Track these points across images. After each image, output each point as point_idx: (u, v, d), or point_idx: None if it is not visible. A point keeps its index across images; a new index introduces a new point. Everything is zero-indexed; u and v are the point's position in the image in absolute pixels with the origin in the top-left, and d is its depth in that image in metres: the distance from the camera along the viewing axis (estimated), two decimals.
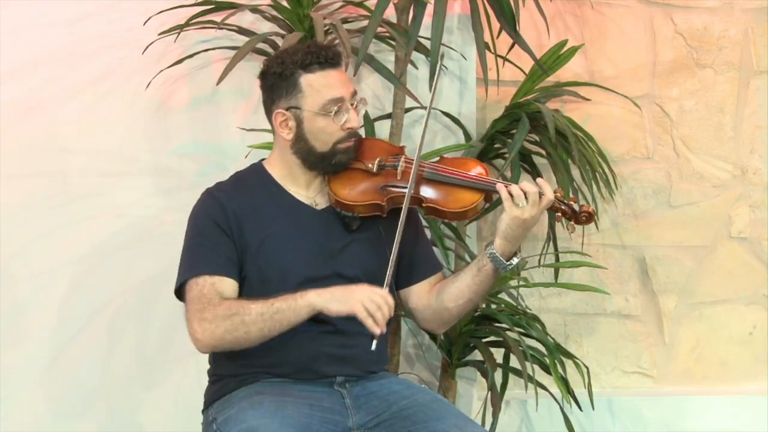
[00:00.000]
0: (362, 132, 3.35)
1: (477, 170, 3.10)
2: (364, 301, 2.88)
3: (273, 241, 3.07)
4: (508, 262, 3.05)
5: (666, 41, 4.41)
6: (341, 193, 3.08)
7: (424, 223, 3.36)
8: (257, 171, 3.18)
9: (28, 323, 3.91)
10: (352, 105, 3.07)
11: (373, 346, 2.90)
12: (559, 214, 3.06)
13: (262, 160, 3.21)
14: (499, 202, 3.03)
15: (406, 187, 3.04)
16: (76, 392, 3.94)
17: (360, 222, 3.11)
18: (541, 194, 2.99)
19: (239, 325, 2.94)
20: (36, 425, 3.92)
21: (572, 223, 3.06)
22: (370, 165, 3.11)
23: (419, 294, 3.20)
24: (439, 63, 3.24)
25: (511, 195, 2.99)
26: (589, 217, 3.04)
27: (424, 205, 3.09)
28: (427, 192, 3.09)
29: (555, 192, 3.03)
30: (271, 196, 3.12)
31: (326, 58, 3.04)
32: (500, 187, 3.01)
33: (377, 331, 2.87)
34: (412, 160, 3.08)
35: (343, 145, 3.08)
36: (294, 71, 3.04)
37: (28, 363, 3.91)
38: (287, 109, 3.06)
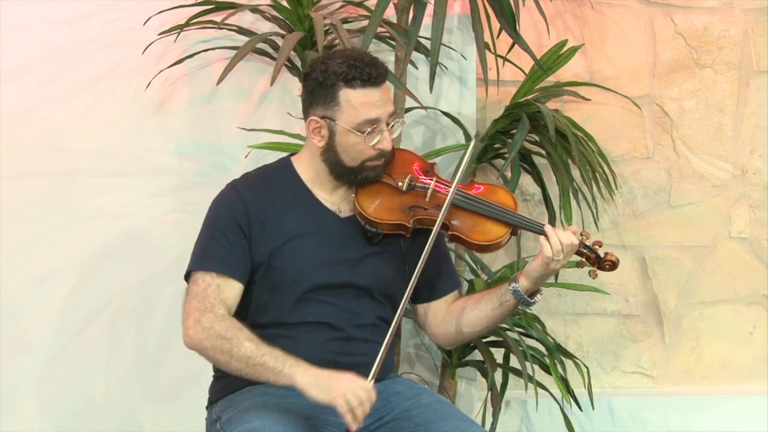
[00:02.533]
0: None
1: (507, 201, 3.06)
2: (347, 394, 2.81)
3: (291, 245, 3.04)
4: (532, 300, 3.05)
5: (666, 41, 4.41)
6: (368, 208, 3.03)
7: None
8: (285, 168, 3.13)
9: (29, 323, 3.91)
10: (387, 125, 3.02)
11: None
12: (583, 258, 3.04)
13: (292, 155, 3.17)
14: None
15: (433, 210, 3.00)
16: (76, 392, 3.94)
17: (382, 237, 3.07)
18: (571, 245, 2.98)
19: (225, 352, 2.93)
20: (36, 425, 3.92)
21: (595, 269, 3.04)
22: (400, 183, 3.06)
23: (435, 312, 3.19)
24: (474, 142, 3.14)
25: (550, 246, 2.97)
26: (613, 266, 3.01)
27: (449, 232, 3.05)
28: (455, 220, 3.04)
29: (582, 236, 3.02)
30: (297, 197, 3.09)
31: (369, 76, 2.98)
32: (549, 231, 2.98)
33: (353, 427, 2.81)
34: (444, 181, 3.05)
35: (372, 163, 3.03)
36: (335, 82, 2.98)
37: (28, 363, 3.91)
38: (322, 118, 3.02)
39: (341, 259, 3.06)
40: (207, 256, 3.03)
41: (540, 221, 3.04)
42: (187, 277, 3.06)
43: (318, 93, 3.02)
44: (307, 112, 3.06)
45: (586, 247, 3.02)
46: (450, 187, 3.03)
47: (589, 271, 3.05)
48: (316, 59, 3.07)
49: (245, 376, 2.93)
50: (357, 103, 2.99)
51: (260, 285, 3.04)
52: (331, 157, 3.05)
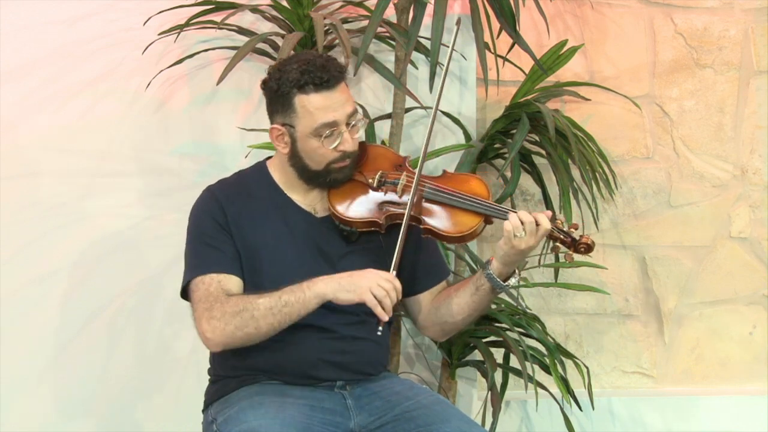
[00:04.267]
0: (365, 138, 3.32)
1: (479, 190, 3.08)
2: (373, 288, 2.88)
3: (269, 247, 3.06)
4: (506, 283, 3.05)
5: (666, 41, 4.41)
6: (339, 208, 3.07)
7: None
8: (260, 172, 3.17)
9: (29, 323, 3.91)
10: (348, 125, 3.03)
11: (379, 332, 2.91)
12: (558, 243, 3.05)
13: (268, 158, 3.20)
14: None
15: (404, 205, 3.03)
16: (76, 392, 3.94)
17: (359, 235, 3.10)
18: (537, 223, 2.98)
19: (249, 321, 2.94)
20: (36, 425, 3.92)
21: (570, 252, 3.05)
22: (370, 179, 3.09)
23: (422, 303, 3.20)
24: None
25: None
26: (588, 248, 3.04)
27: (422, 226, 3.07)
28: (426, 214, 3.06)
29: (556, 221, 3.03)
30: (272, 200, 3.11)
31: (321, 80, 2.99)
32: (509, 215, 2.99)
33: (385, 318, 2.88)
34: (413, 173, 3.07)
35: (338, 165, 3.06)
36: (290, 90, 3.01)
37: (28, 363, 3.91)
38: (282, 125, 3.05)
39: (321, 258, 3.08)
40: (200, 262, 3.05)
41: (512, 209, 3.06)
42: (185, 291, 3.07)
43: (276, 101, 3.05)
44: (270, 119, 3.09)
45: (559, 230, 3.03)
46: (420, 182, 3.05)
47: (564, 255, 3.07)
48: (273, 67, 3.09)
49: (282, 326, 2.93)
50: (312, 108, 3.01)
51: (245, 286, 3.06)
52: (296, 162, 3.08)
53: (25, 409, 3.92)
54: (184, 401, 3.96)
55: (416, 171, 3.05)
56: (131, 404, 3.99)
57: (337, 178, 3.07)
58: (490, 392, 3.85)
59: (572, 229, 3.05)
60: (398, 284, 2.91)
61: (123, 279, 3.95)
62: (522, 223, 2.98)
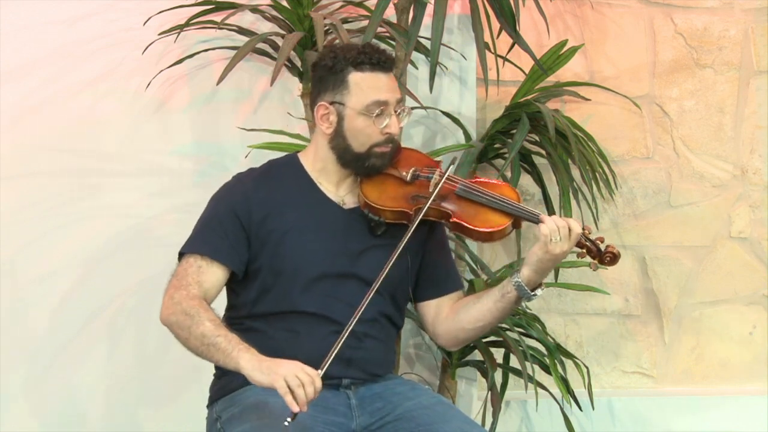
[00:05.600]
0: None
1: (510, 194, 3.09)
2: (287, 377, 2.80)
3: (294, 235, 3.06)
4: (533, 292, 3.05)
5: (666, 41, 4.41)
6: (371, 196, 3.07)
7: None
8: (291, 162, 3.17)
9: (29, 323, 3.91)
10: (395, 111, 3.06)
11: (287, 422, 2.80)
12: (584, 250, 3.06)
13: (298, 152, 3.20)
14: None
15: (436, 200, 3.04)
16: (76, 392, 3.94)
17: (385, 228, 3.09)
18: (569, 228, 2.99)
19: (185, 329, 2.97)
20: (36, 425, 3.92)
21: (595, 261, 3.06)
22: (404, 173, 3.10)
23: (438, 310, 3.19)
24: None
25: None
26: (613, 259, 3.04)
27: (451, 220, 3.07)
28: (456, 208, 3.07)
29: (583, 229, 3.03)
30: (300, 189, 3.12)
31: (378, 60, 3.03)
32: (545, 216, 3.00)
33: (295, 408, 2.78)
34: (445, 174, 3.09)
35: (380, 149, 3.06)
36: (344, 67, 3.03)
37: (28, 363, 3.91)
38: (331, 103, 3.06)
39: (344, 249, 3.07)
40: (198, 240, 3.07)
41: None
42: (180, 258, 3.10)
43: (327, 79, 3.06)
44: (314, 101, 3.09)
45: (587, 238, 3.04)
46: (452, 180, 3.08)
47: (590, 264, 3.07)
48: (324, 50, 3.14)
49: (200, 356, 2.96)
50: (366, 85, 3.03)
51: (263, 272, 3.05)
52: (339, 143, 3.07)
53: (25, 409, 3.92)
54: (184, 401, 3.96)
55: (447, 169, 3.08)
56: (131, 404, 3.99)
57: (375, 165, 3.08)
58: (490, 392, 3.85)
59: (598, 240, 3.06)
60: (318, 383, 2.81)
61: (123, 279, 3.95)
62: (557, 227, 2.98)
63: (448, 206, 3.06)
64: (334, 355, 2.87)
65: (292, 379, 2.80)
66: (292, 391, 2.79)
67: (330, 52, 3.08)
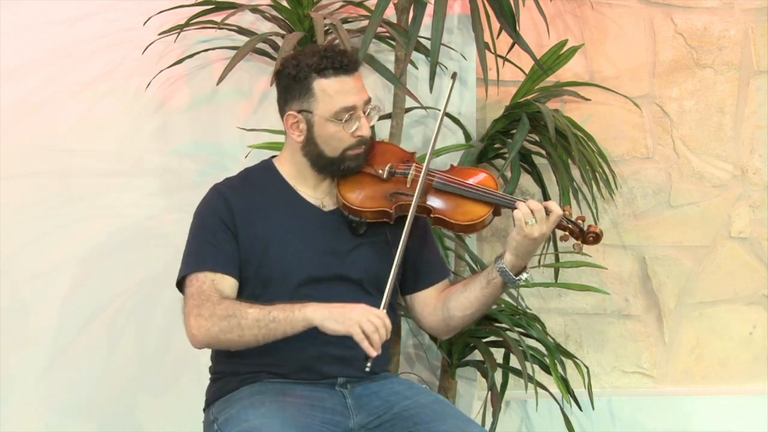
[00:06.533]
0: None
1: (487, 182, 3.10)
2: (362, 322, 2.85)
3: (277, 241, 3.06)
4: (518, 277, 3.05)
5: (666, 41, 4.41)
6: (349, 198, 3.07)
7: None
8: (267, 168, 3.17)
9: (29, 323, 3.91)
10: (364, 113, 3.05)
11: (367, 368, 2.88)
12: (567, 233, 3.06)
13: (273, 157, 3.20)
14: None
15: (413, 196, 3.04)
16: (76, 392, 3.94)
17: (367, 227, 3.10)
18: (548, 211, 2.99)
19: (234, 328, 2.94)
20: (36, 425, 3.92)
21: (579, 242, 3.06)
22: (380, 171, 3.10)
23: (425, 300, 3.20)
24: (453, 81, 3.17)
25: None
26: (596, 238, 3.04)
27: (432, 215, 3.08)
28: (436, 203, 3.08)
29: (564, 210, 3.03)
30: (279, 195, 3.12)
31: (341, 64, 3.02)
32: (517, 204, 3.00)
33: (373, 353, 2.85)
34: (422, 167, 3.07)
35: (353, 151, 3.06)
36: (308, 74, 3.02)
37: (28, 363, 3.91)
38: (299, 112, 3.05)
39: (329, 251, 3.08)
40: (198, 258, 3.05)
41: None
42: (180, 284, 3.07)
43: (292, 87, 3.05)
44: (283, 109, 3.09)
45: (568, 220, 3.04)
46: (430, 174, 3.07)
47: (573, 245, 3.07)
48: (286, 57, 3.10)
49: (266, 340, 2.93)
50: (332, 91, 3.02)
51: (251, 282, 3.06)
52: (311, 150, 3.07)
53: (25, 409, 3.92)
54: (184, 401, 3.96)
55: (424, 164, 3.07)
56: (131, 404, 3.99)
57: (350, 167, 3.08)
58: (490, 392, 3.85)
59: (579, 220, 3.06)
60: (388, 322, 2.88)
61: (123, 279, 3.95)
62: (532, 210, 2.98)
63: (428, 202, 3.07)
64: (389, 291, 2.93)
65: (367, 325, 2.85)
66: (368, 337, 2.84)
67: (292, 59, 3.06)
